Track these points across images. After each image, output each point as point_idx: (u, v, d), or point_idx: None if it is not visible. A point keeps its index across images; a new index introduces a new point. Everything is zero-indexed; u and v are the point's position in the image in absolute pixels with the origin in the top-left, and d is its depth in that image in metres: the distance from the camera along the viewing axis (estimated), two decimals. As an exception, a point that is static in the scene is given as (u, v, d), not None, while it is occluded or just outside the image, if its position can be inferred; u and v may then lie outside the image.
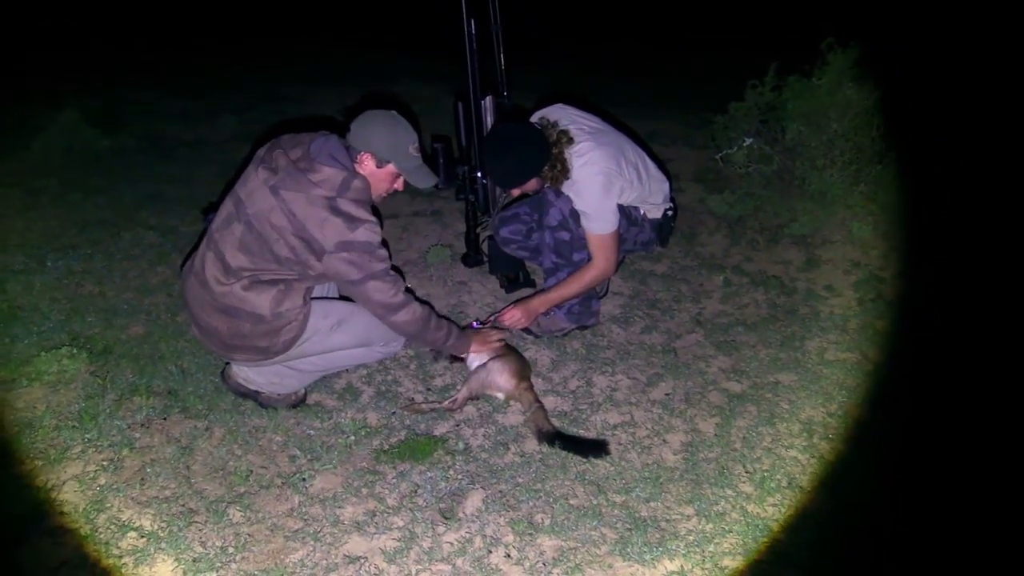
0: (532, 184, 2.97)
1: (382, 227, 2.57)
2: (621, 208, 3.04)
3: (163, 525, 2.24)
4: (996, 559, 2.14)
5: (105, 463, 2.47)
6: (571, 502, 2.36)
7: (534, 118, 3.01)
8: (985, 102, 4.70)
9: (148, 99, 6.38)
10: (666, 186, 3.21)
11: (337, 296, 2.92)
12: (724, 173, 4.62)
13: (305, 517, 2.30)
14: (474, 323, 3.08)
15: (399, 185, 2.64)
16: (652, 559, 2.15)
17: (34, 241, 3.86)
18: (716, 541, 2.21)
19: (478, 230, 3.56)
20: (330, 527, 2.26)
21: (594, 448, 2.55)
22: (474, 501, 2.37)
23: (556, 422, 2.70)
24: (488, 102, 3.15)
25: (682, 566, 2.13)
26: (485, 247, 3.62)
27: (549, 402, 2.82)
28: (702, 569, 2.12)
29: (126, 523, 2.24)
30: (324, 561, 2.14)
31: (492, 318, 3.11)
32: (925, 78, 4.84)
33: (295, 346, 2.62)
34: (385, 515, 2.31)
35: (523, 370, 2.84)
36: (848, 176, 4.11)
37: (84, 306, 3.31)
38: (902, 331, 3.20)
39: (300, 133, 2.60)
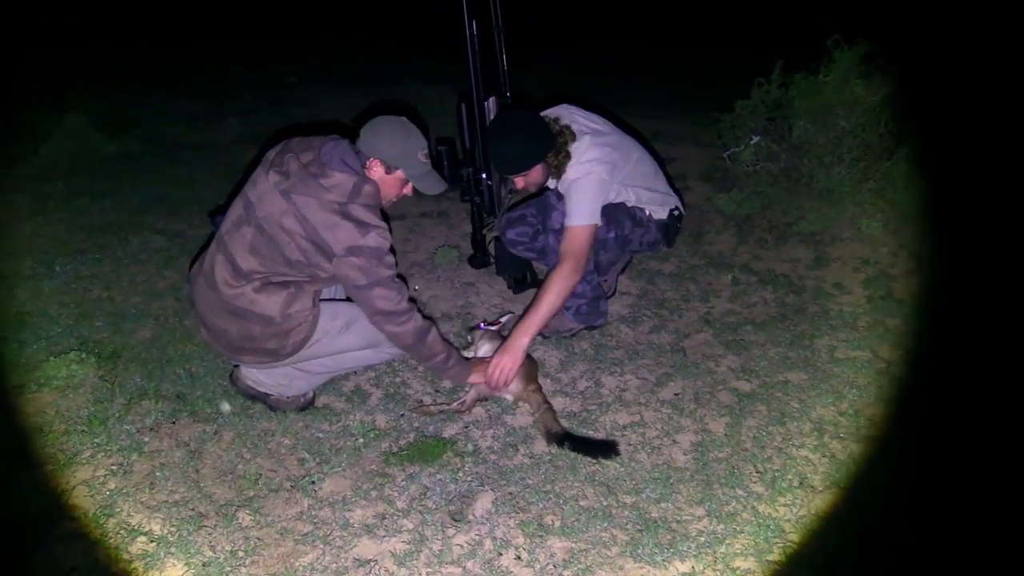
0: (536, 174, 2.93)
1: (391, 231, 2.56)
2: (625, 208, 3.03)
3: (173, 529, 2.24)
4: (1012, 559, 2.12)
5: (114, 467, 2.47)
6: (581, 503, 2.35)
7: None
8: (994, 97, 4.67)
9: (152, 102, 6.38)
10: (669, 188, 3.21)
11: (345, 298, 2.92)
12: (731, 171, 4.61)
13: (315, 520, 2.29)
14: (481, 324, 3.07)
15: (408, 191, 2.64)
16: (663, 560, 2.14)
17: (42, 246, 3.87)
18: (727, 542, 2.20)
19: (484, 231, 3.55)
20: (340, 530, 2.26)
21: (604, 449, 2.54)
22: (484, 503, 2.36)
23: (565, 423, 2.69)
24: (491, 103, 3.15)
25: (693, 567, 2.12)
26: (492, 248, 3.61)
27: (558, 403, 2.81)
28: (713, 570, 2.11)
29: (136, 527, 2.24)
30: (334, 564, 2.14)
31: (503, 320, 3.09)
32: (933, 73, 4.81)
33: (305, 348, 2.62)
34: (395, 518, 2.30)
35: (531, 371, 2.83)
36: (856, 173, 4.09)
37: (92, 311, 3.31)
38: (913, 329, 3.18)
39: (310, 136, 2.59)
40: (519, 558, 2.16)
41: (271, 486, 2.43)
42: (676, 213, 3.22)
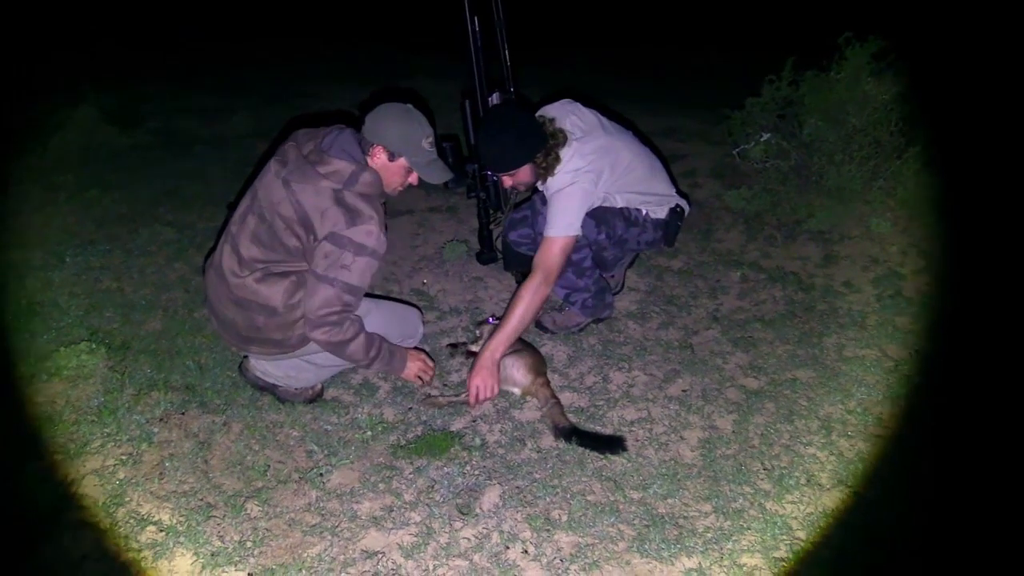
0: (524, 174, 2.88)
1: (387, 227, 2.55)
2: (615, 210, 3.01)
3: (182, 519, 2.26)
4: (1020, 558, 2.12)
5: (124, 457, 2.48)
6: (588, 498, 2.35)
7: (537, 114, 2.98)
8: (1005, 96, 4.64)
9: (164, 96, 6.40)
10: (670, 187, 3.19)
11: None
12: (741, 169, 4.60)
13: (323, 512, 2.30)
14: (490, 319, 3.08)
15: (413, 180, 2.62)
16: (670, 556, 2.14)
17: (53, 237, 3.89)
18: (734, 538, 2.20)
19: (491, 227, 3.56)
20: (347, 522, 2.27)
21: (611, 444, 2.55)
22: (491, 497, 2.37)
23: (573, 418, 2.69)
24: (495, 99, 3.14)
25: (700, 563, 2.12)
26: (499, 244, 3.61)
27: (565, 398, 2.81)
28: (720, 567, 2.11)
29: (145, 517, 2.26)
30: (342, 556, 2.15)
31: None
32: (944, 71, 4.79)
33: (312, 342, 2.62)
34: (402, 510, 2.31)
35: (539, 365, 2.84)
36: (866, 171, 4.07)
37: (102, 302, 3.33)
38: (922, 328, 3.17)
39: (316, 128, 2.60)
40: (526, 552, 2.17)
41: (279, 477, 2.44)
42: (677, 211, 3.18)
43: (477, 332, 3.04)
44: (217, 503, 2.33)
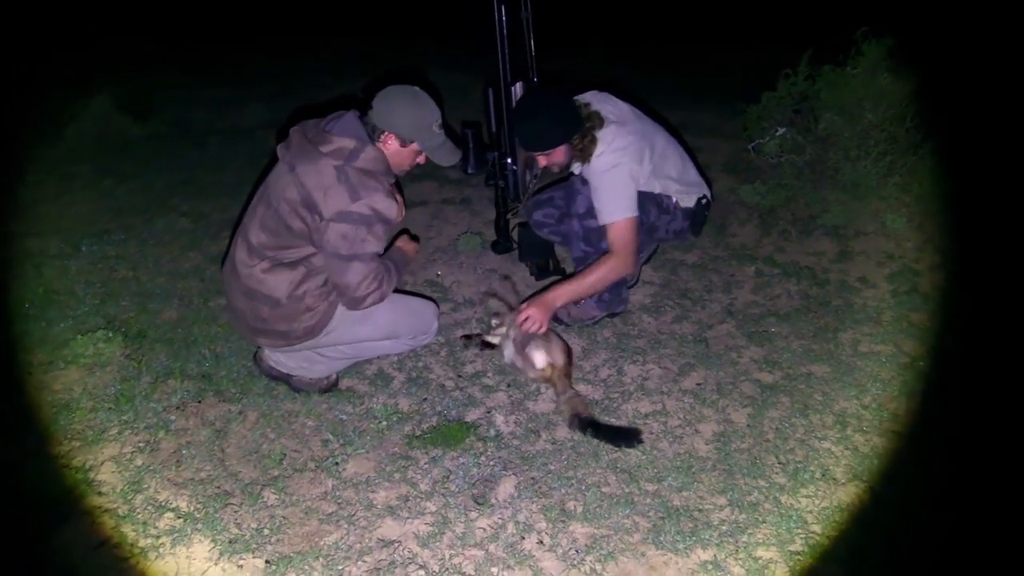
0: (559, 154, 2.95)
1: (404, 204, 2.54)
2: (651, 196, 3.02)
3: (199, 506, 2.27)
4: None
5: (141, 445, 2.50)
6: (603, 490, 2.35)
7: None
8: (1022, 92, 4.62)
9: (179, 87, 6.42)
10: (699, 177, 3.21)
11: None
12: (756, 163, 4.58)
13: (339, 500, 2.31)
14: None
15: (422, 159, 2.64)
16: (685, 548, 2.14)
17: (68, 227, 3.91)
18: (750, 531, 2.20)
19: (508, 216, 3.56)
20: (363, 511, 2.27)
21: (627, 437, 2.54)
22: (506, 487, 2.37)
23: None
24: (518, 88, 3.15)
25: (716, 556, 2.12)
26: (515, 235, 3.62)
27: (580, 390, 2.81)
28: (736, 559, 2.11)
29: (163, 504, 2.27)
30: (358, 544, 2.16)
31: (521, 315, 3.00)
32: (961, 67, 4.76)
33: (320, 335, 2.63)
34: (418, 500, 2.32)
35: (560, 356, 2.82)
36: (882, 167, 4.06)
37: (118, 290, 3.35)
38: (937, 324, 3.16)
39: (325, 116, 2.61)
40: (541, 542, 2.17)
41: (295, 466, 2.45)
42: (704, 201, 3.21)
43: (494, 323, 3.02)
44: (234, 491, 2.34)
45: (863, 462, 2.46)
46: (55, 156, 4.84)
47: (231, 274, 2.62)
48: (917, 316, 3.23)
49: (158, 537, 2.16)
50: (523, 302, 2.96)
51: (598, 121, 2.91)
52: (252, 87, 6.55)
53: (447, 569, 2.09)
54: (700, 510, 2.28)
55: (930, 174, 4.01)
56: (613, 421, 2.67)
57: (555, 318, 3.22)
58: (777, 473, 2.43)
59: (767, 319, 3.25)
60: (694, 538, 2.17)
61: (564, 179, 3.39)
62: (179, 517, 2.23)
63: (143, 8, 8.69)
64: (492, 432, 2.62)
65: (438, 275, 3.60)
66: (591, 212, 2.98)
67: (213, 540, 2.16)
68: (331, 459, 2.48)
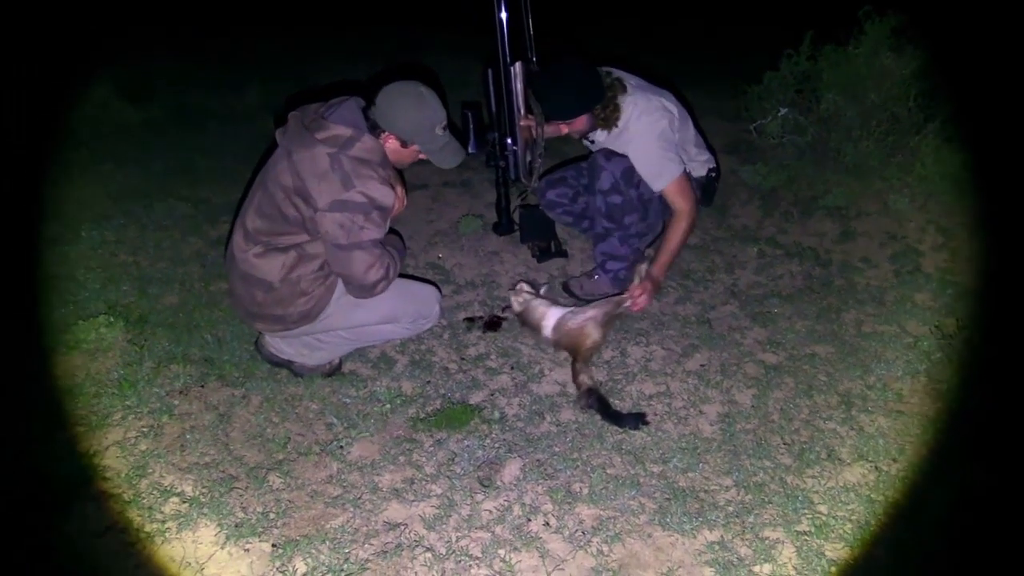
0: (581, 122, 2.98)
1: (406, 193, 2.52)
2: None
3: (204, 491, 2.27)
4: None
5: (145, 429, 2.50)
6: (609, 471, 2.35)
7: None
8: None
9: (177, 72, 6.36)
10: (706, 146, 3.25)
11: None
12: (757, 144, 4.56)
13: (344, 484, 2.31)
14: (524, 284, 3.12)
15: (423, 155, 2.62)
16: (692, 529, 2.14)
17: (68, 211, 3.88)
18: (756, 512, 2.20)
19: (520, 199, 3.55)
20: (369, 494, 2.27)
21: (632, 420, 2.54)
22: (512, 470, 2.37)
23: (591, 392, 2.69)
24: (517, 68, 3.12)
25: (722, 536, 2.12)
26: (516, 216, 3.60)
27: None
28: (742, 540, 2.11)
29: (168, 488, 2.27)
30: (364, 527, 2.16)
31: (628, 296, 3.01)
32: (964, 47, 4.73)
33: (317, 320, 2.63)
34: (423, 483, 2.32)
35: (578, 339, 2.82)
36: (884, 147, 4.04)
37: (119, 275, 3.33)
38: (940, 304, 3.15)
39: (325, 101, 2.58)
40: (548, 524, 2.17)
41: (300, 450, 2.45)
42: (713, 174, 3.24)
43: (518, 301, 3.01)
44: (239, 475, 2.34)
45: (868, 442, 2.46)
46: (53, 141, 4.80)
47: (231, 256, 2.61)
48: (920, 296, 3.22)
49: (164, 522, 2.15)
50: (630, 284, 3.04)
51: (620, 88, 2.93)
52: (251, 71, 6.49)
53: (454, 551, 2.09)
54: (706, 491, 2.28)
55: (933, 154, 3.98)
56: (617, 403, 2.67)
57: (567, 290, 3.23)
58: (782, 454, 2.43)
59: (770, 300, 3.24)
60: (700, 519, 2.17)
61: (572, 159, 3.37)
62: (184, 502, 2.23)
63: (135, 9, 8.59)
64: (496, 414, 2.62)
65: (439, 258, 3.59)
66: (615, 188, 2.99)
67: (219, 524, 2.15)
68: (336, 442, 2.48)
